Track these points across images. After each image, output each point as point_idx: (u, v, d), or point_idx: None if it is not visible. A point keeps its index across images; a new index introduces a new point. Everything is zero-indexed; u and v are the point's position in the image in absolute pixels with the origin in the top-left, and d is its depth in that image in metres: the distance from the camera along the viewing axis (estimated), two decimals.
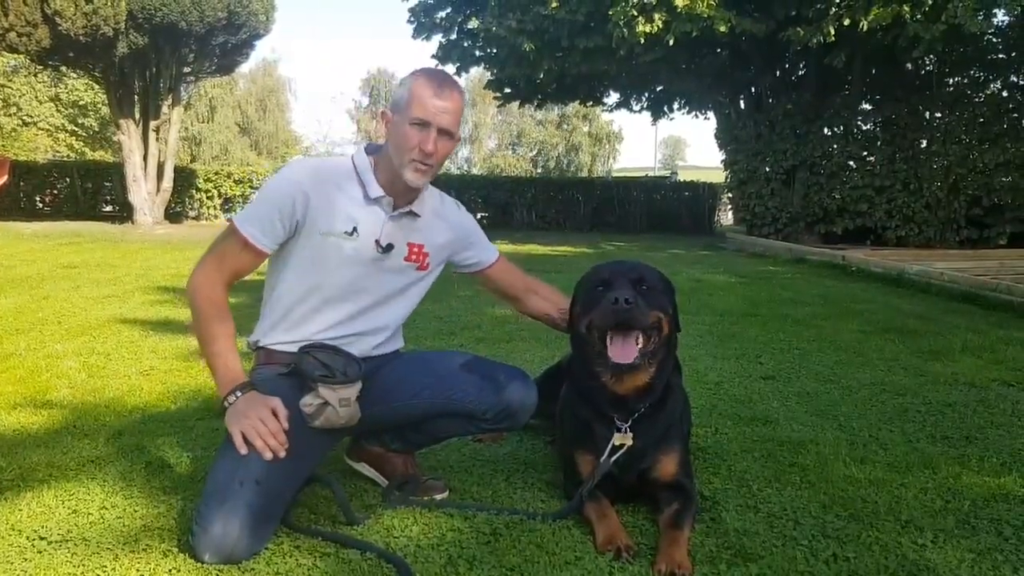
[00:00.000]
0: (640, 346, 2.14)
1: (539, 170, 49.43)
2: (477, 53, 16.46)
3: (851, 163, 13.65)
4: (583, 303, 2.26)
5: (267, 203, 2.20)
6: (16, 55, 16.94)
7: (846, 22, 10.71)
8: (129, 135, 16.27)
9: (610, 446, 2.20)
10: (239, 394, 2.09)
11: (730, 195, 18.39)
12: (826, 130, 13.82)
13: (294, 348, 2.24)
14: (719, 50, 14.31)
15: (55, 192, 19.66)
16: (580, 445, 2.30)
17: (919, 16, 10.32)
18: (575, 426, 2.33)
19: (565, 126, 51.69)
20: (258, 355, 2.36)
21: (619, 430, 2.21)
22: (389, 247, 2.28)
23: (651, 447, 2.24)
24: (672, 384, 2.32)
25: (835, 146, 13.71)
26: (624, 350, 2.12)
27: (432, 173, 2.23)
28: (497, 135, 55.46)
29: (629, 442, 2.20)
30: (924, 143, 12.85)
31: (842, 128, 13.76)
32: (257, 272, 2.34)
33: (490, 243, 2.58)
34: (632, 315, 2.11)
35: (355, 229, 2.23)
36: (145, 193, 16.48)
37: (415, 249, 2.34)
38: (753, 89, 15.28)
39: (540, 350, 4.42)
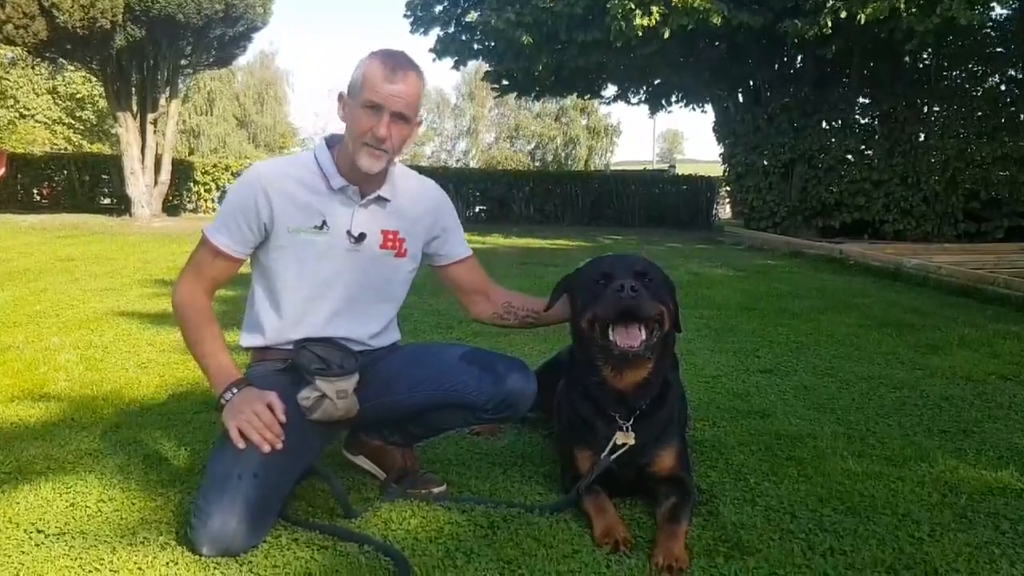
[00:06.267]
0: (644, 338, 2.11)
1: (537, 163, 49.31)
2: (475, 47, 16.43)
3: (849, 157, 13.67)
4: (585, 297, 2.22)
5: (232, 210, 2.20)
6: (13, 47, 16.85)
7: (843, 15, 10.70)
8: (127, 128, 16.22)
9: (611, 444, 2.19)
10: (235, 390, 2.10)
11: (728, 189, 18.39)
12: (824, 124, 13.84)
13: (287, 347, 2.24)
14: (717, 43, 14.30)
15: (52, 185, 19.63)
16: (579, 440, 2.29)
17: (914, 9, 10.31)
18: (574, 421, 2.32)
19: (563, 119, 51.53)
20: (252, 354, 2.36)
21: (621, 429, 2.20)
22: (362, 236, 2.24)
23: (650, 442, 2.23)
24: (670, 380, 2.31)
25: (833, 140, 13.72)
26: (630, 336, 2.09)
27: (388, 159, 2.17)
28: (495, 129, 55.32)
29: (631, 441, 2.19)
30: (922, 137, 12.86)
31: (840, 122, 13.77)
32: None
33: (464, 238, 2.51)
34: (638, 303, 2.08)
35: (324, 223, 2.20)
36: (143, 186, 16.45)
37: (390, 236, 2.29)
38: (751, 83, 15.27)
39: (538, 344, 4.42)
